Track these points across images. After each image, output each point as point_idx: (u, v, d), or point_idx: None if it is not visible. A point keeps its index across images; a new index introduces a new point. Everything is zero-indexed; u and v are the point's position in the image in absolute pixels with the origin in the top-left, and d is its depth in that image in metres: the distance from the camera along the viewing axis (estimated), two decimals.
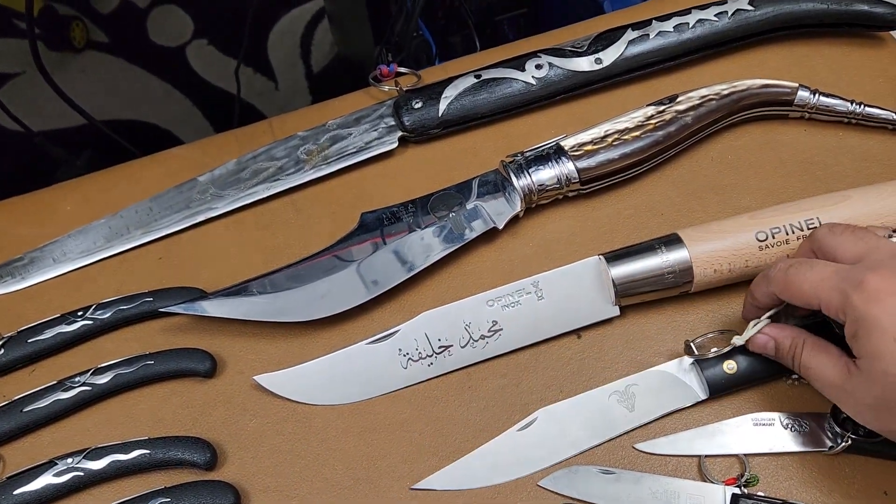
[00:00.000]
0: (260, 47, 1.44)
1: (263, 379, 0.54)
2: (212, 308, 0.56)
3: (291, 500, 0.51)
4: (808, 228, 0.54)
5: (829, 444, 0.49)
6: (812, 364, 0.47)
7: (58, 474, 0.50)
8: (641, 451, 0.51)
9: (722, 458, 0.50)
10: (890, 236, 0.47)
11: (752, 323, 0.51)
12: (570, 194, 0.62)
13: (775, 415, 0.51)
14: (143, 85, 1.44)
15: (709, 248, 0.54)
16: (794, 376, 0.53)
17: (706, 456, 0.50)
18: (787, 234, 0.54)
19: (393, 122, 0.66)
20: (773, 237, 0.54)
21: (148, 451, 0.51)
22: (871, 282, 0.42)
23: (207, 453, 0.51)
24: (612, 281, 0.54)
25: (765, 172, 0.63)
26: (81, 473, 0.50)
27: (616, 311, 0.55)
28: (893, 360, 0.41)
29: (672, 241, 0.55)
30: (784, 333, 0.49)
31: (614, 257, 0.55)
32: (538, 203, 0.61)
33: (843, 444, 0.48)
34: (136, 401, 0.55)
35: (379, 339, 0.55)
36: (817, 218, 0.54)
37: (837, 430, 0.49)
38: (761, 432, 0.50)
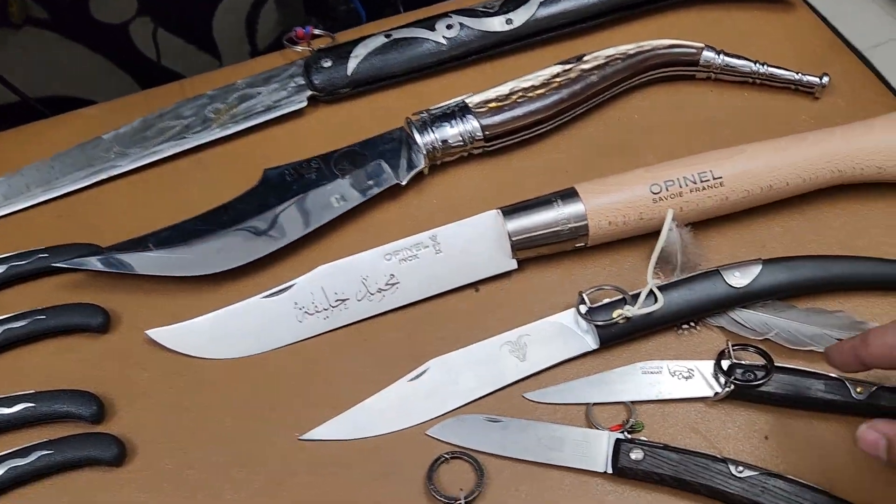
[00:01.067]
0: (205, 26, 1.42)
1: (156, 333, 0.54)
2: (106, 262, 0.55)
3: (177, 452, 0.50)
4: (702, 181, 0.54)
5: (714, 390, 0.50)
6: None
7: None
8: (531, 401, 0.51)
9: (610, 405, 0.51)
10: None
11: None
12: (476, 152, 0.62)
13: (663, 363, 0.51)
14: (84, 62, 1.41)
15: (604, 201, 0.54)
16: (685, 326, 0.53)
17: (594, 404, 0.51)
18: (681, 186, 0.54)
19: (303, 82, 0.65)
20: (667, 189, 0.54)
21: (32, 405, 0.50)
22: None
23: (94, 406, 0.51)
24: (508, 234, 0.54)
25: (670, 132, 0.63)
26: None
27: (513, 265, 0.56)
28: None
29: (568, 194, 0.55)
30: (888, 427, 0.40)
31: (511, 211, 0.55)
32: (443, 160, 0.61)
33: (727, 389, 0.49)
34: (27, 357, 0.54)
35: (275, 293, 0.55)
36: (710, 171, 0.55)
37: (721, 377, 0.50)
38: (649, 380, 0.51)
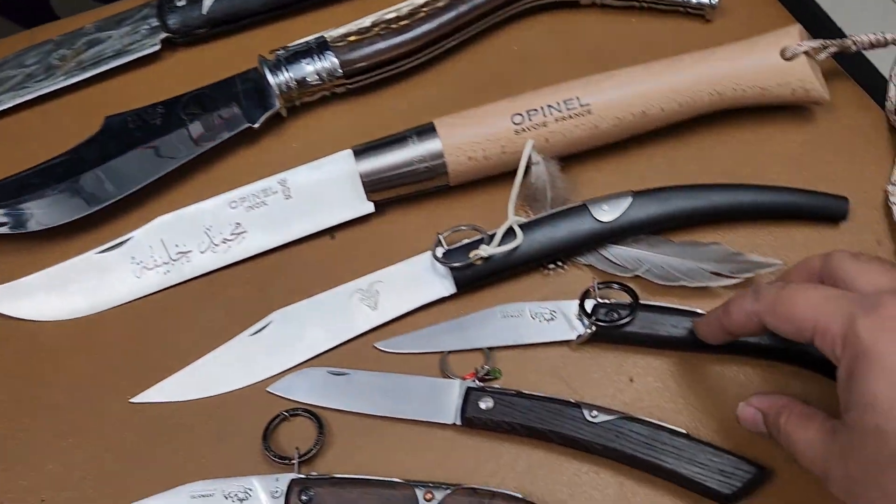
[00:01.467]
0: None
1: None
2: None
3: None
4: (568, 109, 0.50)
5: (577, 332, 0.46)
6: (796, 435, 0.36)
7: None
8: (382, 350, 0.47)
9: (470, 354, 0.47)
10: None
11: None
12: (339, 90, 0.57)
13: (525, 305, 0.48)
14: None
15: (462, 136, 0.50)
16: (552, 266, 0.50)
17: (450, 352, 0.47)
18: (545, 115, 0.50)
19: (156, 23, 0.60)
20: (530, 119, 0.50)
21: None
22: (890, 307, 0.32)
23: None
24: (360, 175, 0.50)
25: (553, 63, 0.59)
26: None
27: (370, 208, 0.52)
28: (892, 412, 0.30)
29: (425, 130, 0.51)
30: (771, 403, 0.39)
31: (363, 150, 0.51)
32: (303, 101, 0.57)
33: (588, 331, 0.45)
34: None
35: (110, 247, 0.51)
36: (577, 98, 0.51)
37: (584, 318, 0.46)
38: (509, 324, 0.47)
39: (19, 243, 0.52)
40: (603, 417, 0.42)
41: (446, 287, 0.49)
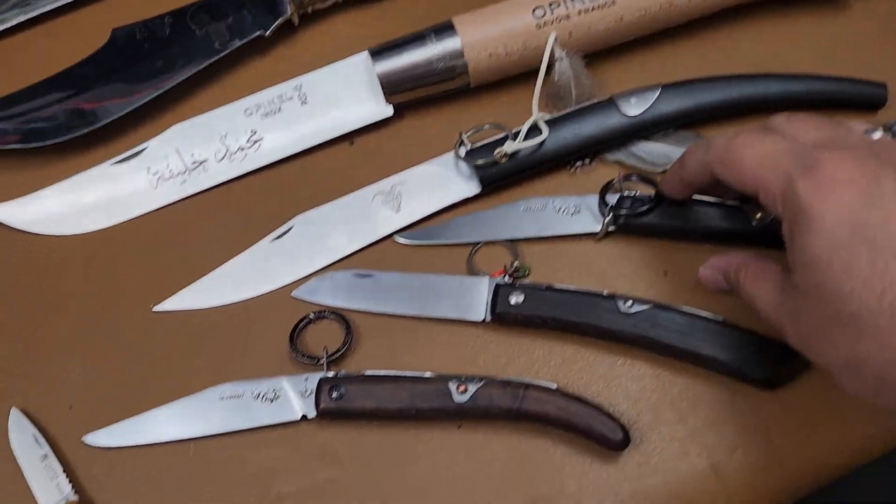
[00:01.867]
0: None
1: None
2: None
3: (21, 334, 0.46)
4: (591, 1, 0.48)
5: (601, 225, 0.45)
6: (754, 291, 0.36)
7: None
8: (404, 244, 0.46)
9: (494, 252, 0.46)
10: (868, 132, 0.36)
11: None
12: None
13: (548, 199, 0.46)
14: None
15: (482, 32, 0.48)
16: (579, 163, 0.48)
17: (476, 248, 0.46)
18: (567, 7, 0.48)
19: None
20: (552, 12, 0.48)
21: None
22: (826, 166, 0.31)
23: None
24: (377, 76, 0.49)
25: None
26: None
27: (389, 112, 0.50)
28: (829, 271, 0.30)
29: (443, 28, 0.49)
30: (729, 261, 0.39)
31: (380, 51, 0.49)
32: (315, 7, 0.55)
33: (608, 219, 0.44)
34: None
35: (125, 158, 0.49)
36: None
37: (607, 209, 0.44)
38: (531, 217, 0.46)
39: (32, 158, 0.51)
40: (638, 308, 0.41)
41: (470, 187, 0.47)
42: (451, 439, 0.41)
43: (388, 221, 0.47)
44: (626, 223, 0.44)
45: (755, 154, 0.34)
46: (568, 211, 0.45)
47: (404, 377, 0.41)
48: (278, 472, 0.41)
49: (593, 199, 0.45)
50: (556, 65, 0.48)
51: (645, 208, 0.43)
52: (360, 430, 0.42)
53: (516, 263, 0.45)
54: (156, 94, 0.51)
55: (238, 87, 0.53)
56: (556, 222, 0.45)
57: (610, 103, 0.47)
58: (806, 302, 0.32)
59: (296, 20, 0.54)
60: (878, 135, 0.35)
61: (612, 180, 0.45)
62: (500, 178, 0.47)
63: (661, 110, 0.47)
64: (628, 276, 0.45)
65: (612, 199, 0.45)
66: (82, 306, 0.46)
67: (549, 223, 0.45)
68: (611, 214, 0.44)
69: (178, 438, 0.42)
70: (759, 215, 0.41)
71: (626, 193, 0.45)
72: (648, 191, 0.45)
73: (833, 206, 0.30)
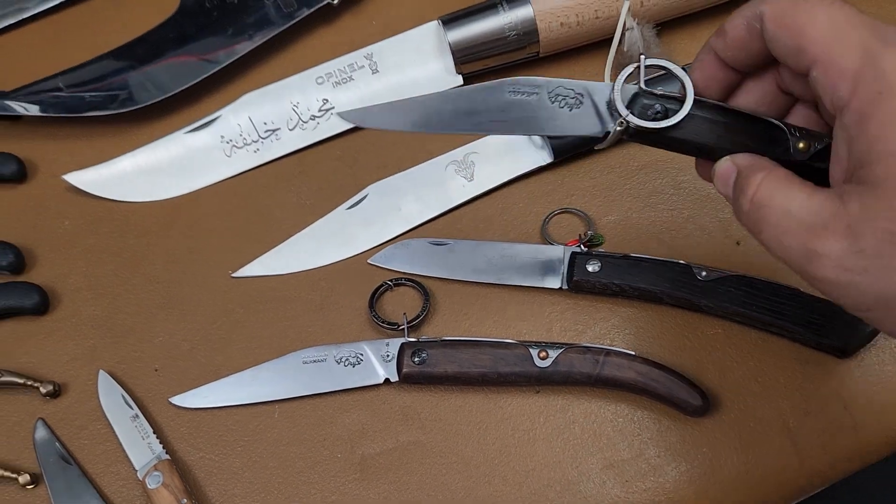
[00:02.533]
0: None
1: (75, 177, 0.50)
2: (15, 105, 0.50)
3: (104, 298, 0.47)
4: None
5: (611, 128, 0.33)
6: (774, 200, 0.28)
7: None
8: (480, 213, 0.47)
9: (569, 218, 0.47)
10: None
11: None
12: None
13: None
14: None
15: (555, 1, 0.48)
16: None
17: (549, 217, 0.46)
18: None
19: None
20: None
21: None
22: None
23: (10, 255, 0.47)
24: (450, 46, 0.49)
25: None
26: None
27: (459, 81, 0.50)
28: None
29: None
30: (753, 161, 0.31)
31: (452, 19, 0.49)
32: None
33: (625, 129, 0.33)
34: None
35: (198, 126, 0.50)
36: None
37: (618, 110, 0.33)
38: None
39: (106, 125, 0.52)
40: (714, 275, 0.42)
41: (542, 156, 0.48)
42: (530, 404, 0.42)
43: (462, 190, 0.47)
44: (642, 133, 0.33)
45: (826, 18, 0.27)
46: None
47: (486, 342, 0.41)
48: (362, 435, 0.42)
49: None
50: (627, 34, 0.48)
51: (662, 122, 0.32)
52: (439, 394, 0.43)
53: (590, 232, 0.45)
54: (227, 62, 0.51)
55: (305, 56, 0.54)
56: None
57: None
58: (885, 203, 0.25)
59: None
60: None
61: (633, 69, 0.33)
62: (573, 148, 0.47)
63: None
64: (702, 246, 0.45)
65: (628, 94, 0.33)
66: (162, 271, 0.47)
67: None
68: (625, 116, 0.32)
69: (262, 400, 0.43)
70: (801, 144, 0.31)
71: (644, 88, 0.33)
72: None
73: None
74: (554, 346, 0.41)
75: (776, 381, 0.41)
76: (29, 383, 0.43)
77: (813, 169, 0.30)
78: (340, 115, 0.36)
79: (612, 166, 0.48)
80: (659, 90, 0.33)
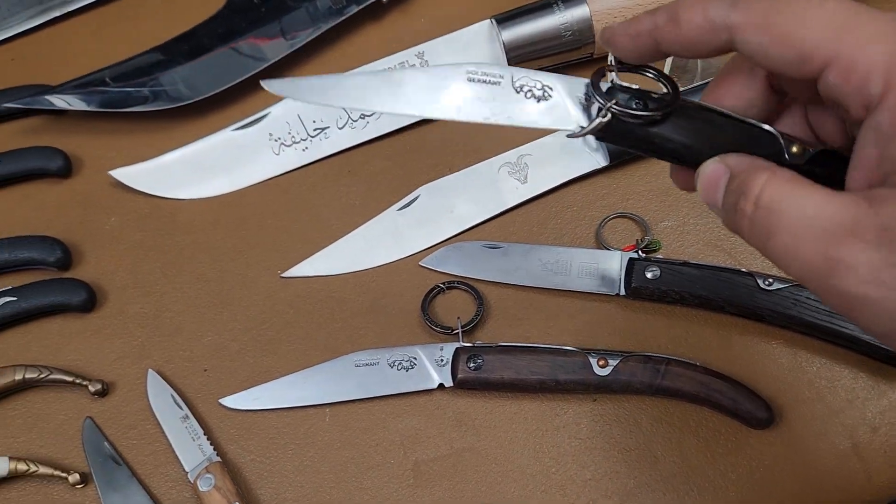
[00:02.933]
0: None
1: (121, 173, 0.49)
2: (61, 101, 0.50)
3: (151, 296, 0.46)
4: None
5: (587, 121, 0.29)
6: (786, 199, 0.24)
7: None
8: (533, 216, 0.46)
9: (624, 223, 0.46)
10: None
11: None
12: None
13: None
14: None
15: (611, 1, 0.48)
16: None
17: (605, 221, 0.46)
18: None
19: None
20: None
21: None
22: None
23: (58, 251, 0.47)
24: (503, 45, 0.48)
25: None
26: None
27: None
28: None
29: None
30: (751, 163, 0.26)
31: (506, 18, 0.49)
32: None
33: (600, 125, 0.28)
34: None
35: (247, 124, 0.49)
36: None
37: (595, 100, 0.29)
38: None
39: (152, 120, 0.51)
40: (778, 285, 0.41)
41: (597, 159, 0.47)
42: (587, 412, 0.41)
43: (515, 192, 0.47)
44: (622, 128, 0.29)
45: (820, 15, 0.24)
46: None
47: (543, 349, 0.41)
48: (415, 440, 0.41)
49: None
50: None
51: (648, 111, 0.28)
52: (493, 400, 0.42)
53: (648, 238, 0.44)
54: (275, 59, 0.51)
55: (353, 53, 0.53)
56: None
57: None
58: None
59: None
60: None
61: (606, 64, 0.30)
62: (628, 151, 0.46)
63: None
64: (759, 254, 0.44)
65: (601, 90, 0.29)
66: (210, 270, 0.47)
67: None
68: (599, 108, 0.29)
69: (314, 403, 0.42)
70: (795, 148, 0.27)
71: (618, 83, 0.29)
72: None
73: None
74: (613, 354, 0.40)
75: (842, 394, 0.40)
76: (78, 381, 0.43)
77: (808, 175, 0.25)
78: (263, 83, 0.29)
79: (669, 170, 0.47)
80: (635, 87, 0.29)
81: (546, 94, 0.30)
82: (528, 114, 0.29)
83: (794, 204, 0.23)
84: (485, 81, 0.29)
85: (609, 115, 0.28)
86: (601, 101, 0.28)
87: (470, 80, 0.29)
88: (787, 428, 0.40)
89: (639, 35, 0.28)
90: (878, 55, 0.23)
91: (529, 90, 0.29)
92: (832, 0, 0.24)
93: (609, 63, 0.30)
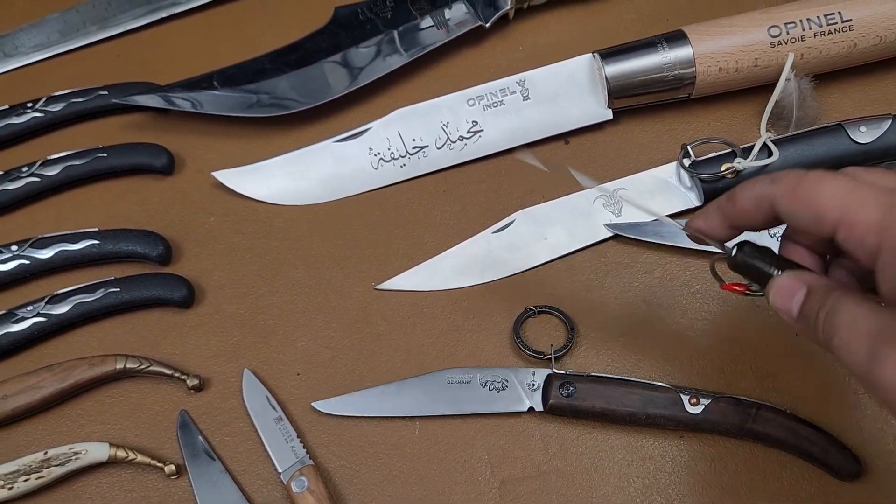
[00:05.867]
0: None
1: (223, 175, 0.51)
2: (169, 100, 0.51)
3: (248, 297, 0.48)
4: (828, 24, 0.48)
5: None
6: (847, 310, 0.29)
7: (1, 262, 0.47)
8: (626, 248, 0.47)
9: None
10: None
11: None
12: None
13: None
14: None
15: (715, 45, 0.49)
16: None
17: (717, 257, 0.46)
18: (804, 29, 0.48)
19: None
20: (788, 33, 0.48)
21: (97, 242, 0.48)
22: None
23: (160, 246, 0.48)
24: (606, 79, 0.49)
25: None
26: (27, 261, 0.47)
27: (609, 115, 0.51)
28: None
29: (675, 37, 0.49)
30: (819, 280, 0.32)
31: (610, 54, 0.50)
32: (531, 3, 0.55)
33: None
34: (89, 196, 0.52)
35: (348, 136, 0.51)
36: (839, 13, 0.48)
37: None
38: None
39: (255, 126, 0.53)
40: None
41: (691, 198, 0.48)
42: (674, 447, 0.42)
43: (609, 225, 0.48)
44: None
45: (836, 186, 0.30)
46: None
47: (635, 382, 0.42)
48: (502, 460, 0.42)
49: None
50: (784, 84, 0.48)
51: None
52: (581, 428, 0.43)
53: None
54: (377, 76, 0.52)
55: (452, 76, 0.54)
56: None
57: (839, 129, 0.47)
58: None
59: (511, 14, 0.55)
60: None
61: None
62: (722, 190, 0.47)
63: (892, 140, 0.47)
64: None
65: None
66: (305, 276, 0.48)
67: None
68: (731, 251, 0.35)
69: (405, 415, 0.43)
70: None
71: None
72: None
73: None
74: (705, 394, 0.41)
75: None
76: (176, 375, 0.44)
77: None
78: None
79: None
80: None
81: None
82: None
83: (851, 312, 0.30)
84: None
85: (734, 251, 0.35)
86: (725, 251, 0.35)
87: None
88: (873, 480, 0.40)
89: (709, 216, 0.36)
90: (872, 216, 0.29)
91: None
92: (842, 175, 0.31)
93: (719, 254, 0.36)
